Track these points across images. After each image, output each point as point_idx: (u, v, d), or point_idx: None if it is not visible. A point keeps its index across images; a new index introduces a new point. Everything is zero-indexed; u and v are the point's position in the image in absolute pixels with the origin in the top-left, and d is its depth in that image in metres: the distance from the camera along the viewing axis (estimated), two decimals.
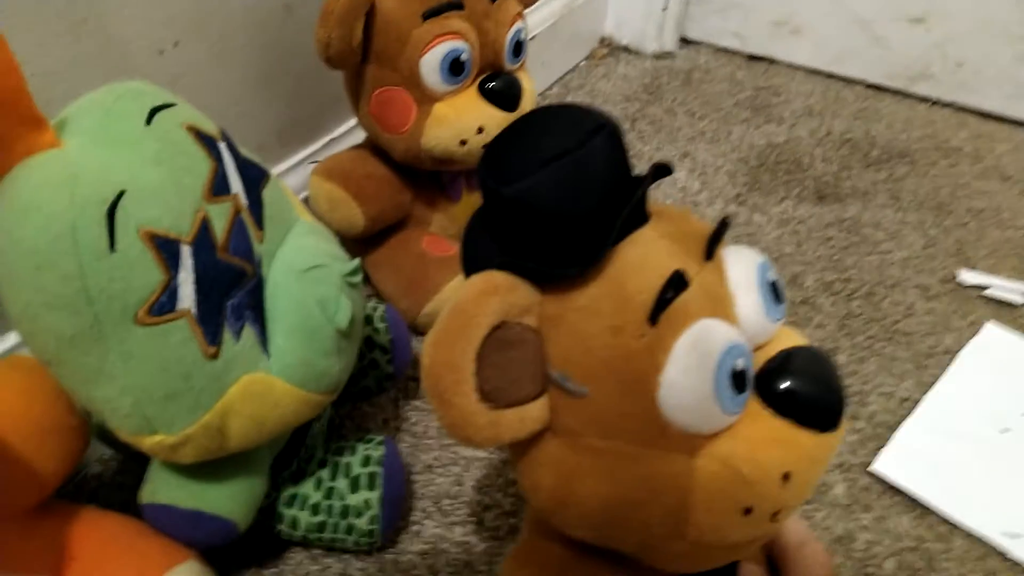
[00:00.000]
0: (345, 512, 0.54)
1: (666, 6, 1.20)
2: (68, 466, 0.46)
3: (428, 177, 0.71)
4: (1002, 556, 0.58)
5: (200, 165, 0.42)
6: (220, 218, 0.42)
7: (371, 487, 0.54)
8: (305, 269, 0.46)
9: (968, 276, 0.81)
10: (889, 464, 0.63)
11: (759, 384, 0.33)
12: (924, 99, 1.13)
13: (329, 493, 0.54)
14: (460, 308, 0.32)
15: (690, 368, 0.31)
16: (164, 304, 0.39)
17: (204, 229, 0.41)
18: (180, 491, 0.47)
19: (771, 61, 1.22)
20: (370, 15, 0.58)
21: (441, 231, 0.73)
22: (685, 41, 1.28)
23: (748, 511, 0.32)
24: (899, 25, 1.11)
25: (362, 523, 0.54)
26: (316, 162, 0.71)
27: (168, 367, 0.40)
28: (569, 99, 1.12)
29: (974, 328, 0.75)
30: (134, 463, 0.60)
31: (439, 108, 0.62)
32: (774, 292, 0.35)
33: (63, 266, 0.36)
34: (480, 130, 0.62)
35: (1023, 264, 0.84)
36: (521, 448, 0.35)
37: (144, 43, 0.58)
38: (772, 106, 1.11)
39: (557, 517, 0.37)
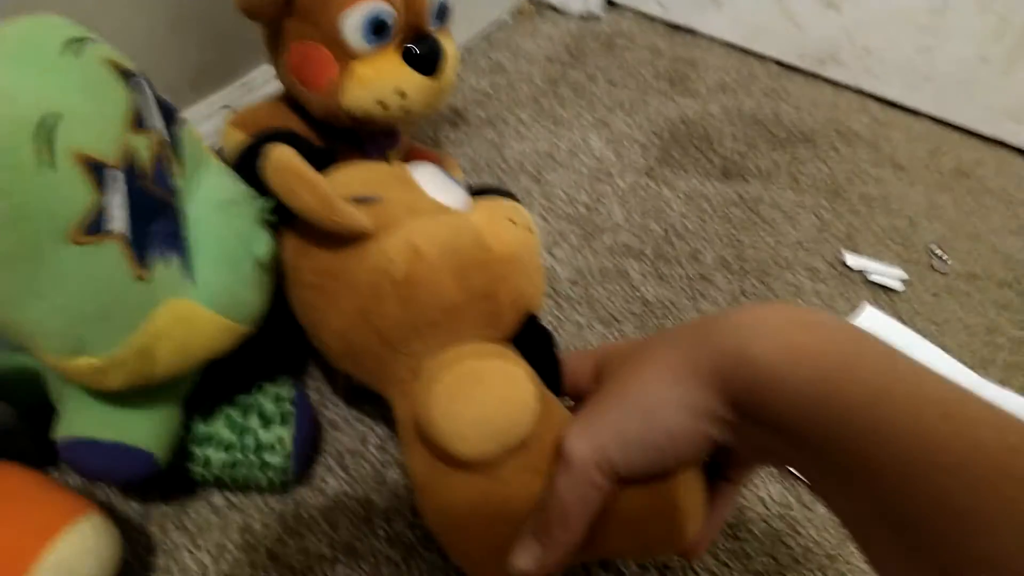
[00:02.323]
0: (258, 448, 0.55)
1: None
2: None
3: (346, 134, 0.70)
4: None
5: (122, 97, 0.42)
6: (144, 150, 0.43)
7: (283, 423, 0.56)
8: (223, 202, 0.48)
9: (851, 259, 0.87)
10: None
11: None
12: (831, 81, 1.18)
13: (242, 432, 0.55)
14: (283, 152, 0.45)
15: (428, 174, 0.53)
16: (96, 224, 0.39)
17: (129, 158, 0.41)
18: (100, 424, 0.48)
19: (691, 32, 1.25)
20: None
21: None
22: (610, 3, 1.29)
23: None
24: (814, 7, 1.15)
25: (276, 459, 0.55)
26: (228, 107, 0.70)
27: (99, 287, 0.40)
28: (492, 56, 1.12)
29: (854, 311, 0.81)
30: (36, 417, 0.60)
31: (360, 68, 0.61)
32: None
33: None
34: (402, 94, 0.62)
35: (906, 251, 0.90)
36: (362, 250, 0.47)
37: None
38: (689, 79, 1.14)
39: (429, 272, 0.47)
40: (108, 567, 0.48)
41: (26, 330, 0.41)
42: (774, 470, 0.66)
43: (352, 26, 0.59)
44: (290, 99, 0.68)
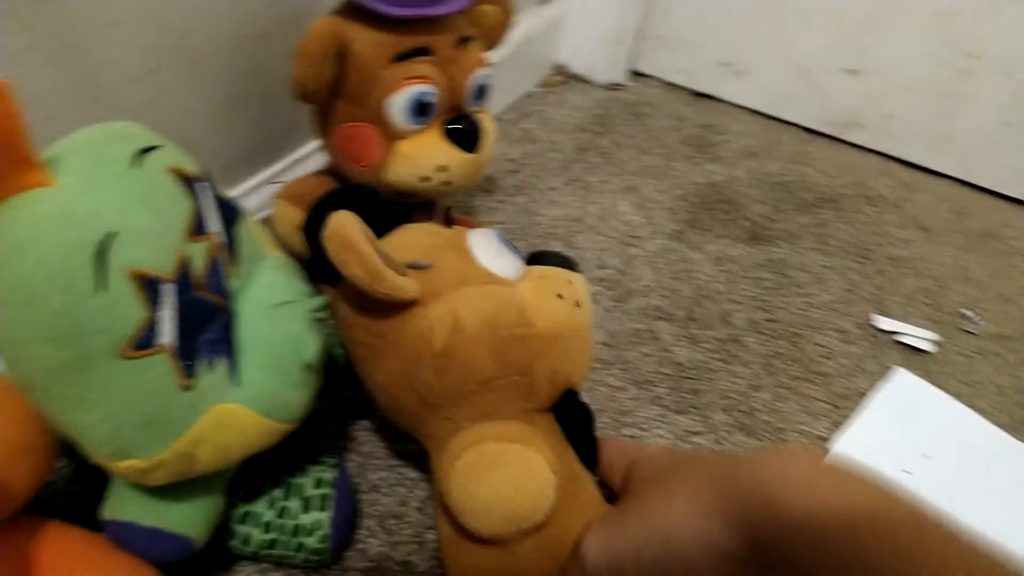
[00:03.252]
0: (296, 531, 0.57)
1: (619, 39, 1.25)
2: (37, 483, 0.48)
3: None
4: None
5: (182, 206, 0.44)
6: (199, 257, 0.45)
7: (322, 508, 0.57)
8: (275, 305, 0.49)
9: (883, 322, 0.88)
10: None
11: None
12: (855, 145, 1.21)
13: (281, 512, 0.57)
14: (343, 219, 0.45)
15: (483, 241, 0.54)
16: (146, 339, 0.41)
17: (184, 268, 0.43)
18: (142, 509, 0.49)
19: (715, 99, 1.28)
20: (343, 55, 0.61)
21: None
22: (636, 74, 1.33)
23: None
24: (835, 75, 1.18)
25: (312, 542, 0.57)
26: (279, 182, 0.73)
27: (146, 398, 0.42)
28: (523, 125, 1.16)
29: (885, 373, 0.82)
30: (88, 473, 0.62)
31: (404, 146, 0.65)
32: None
33: (54, 303, 0.38)
34: (443, 170, 0.65)
35: (935, 313, 0.91)
36: (412, 317, 0.49)
37: (122, 71, 0.60)
38: (714, 144, 1.17)
39: (462, 352, 0.48)
40: None
41: (75, 433, 0.44)
42: None
43: (397, 107, 0.62)
44: (336, 172, 0.72)
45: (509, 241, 0.55)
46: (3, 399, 0.46)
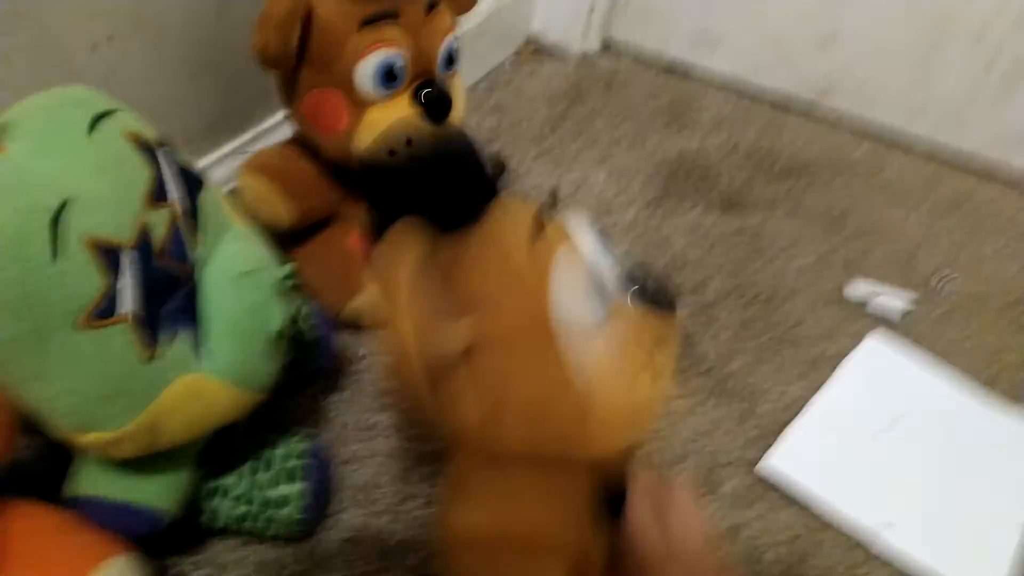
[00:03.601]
0: (267, 504, 0.56)
1: (592, 8, 1.24)
2: (1, 459, 0.47)
3: (358, 176, 0.72)
4: (865, 550, 0.64)
5: (141, 173, 0.43)
6: (159, 225, 0.44)
7: (294, 480, 0.57)
8: (240, 274, 0.48)
9: (856, 287, 0.88)
10: (777, 462, 0.69)
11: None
12: (827, 115, 1.21)
13: (252, 485, 0.56)
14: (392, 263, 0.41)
15: (568, 276, 0.41)
16: (105, 309, 0.40)
17: (144, 236, 0.42)
18: (108, 484, 0.49)
19: (688, 70, 1.28)
20: (307, 20, 0.60)
21: (366, 227, 0.75)
22: (609, 44, 1.32)
23: None
24: (809, 42, 1.18)
25: (284, 514, 0.56)
26: (247, 152, 0.72)
27: (107, 369, 0.41)
28: (495, 96, 1.15)
29: (857, 338, 0.82)
30: (53, 451, 0.61)
31: (372, 113, 0.64)
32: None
33: (8, 271, 0.37)
34: (409, 141, 0.64)
35: (907, 278, 0.91)
36: (455, 375, 0.41)
37: (79, 36, 0.58)
38: (687, 115, 1.17)
39: (498, 426, 0.42)
40: None
41: (41, 407, 0.43)
42: (782, 493, 0.67)
43: (365, 74, 0.61)
44: (303, 142, 0.70)
45: (609, 250, 0.45)
46: None
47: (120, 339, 0.41)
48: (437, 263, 0.41)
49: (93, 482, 0.49)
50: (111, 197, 0.41)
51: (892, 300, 0.87)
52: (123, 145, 0.43)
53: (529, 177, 1.00)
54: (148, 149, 0.44)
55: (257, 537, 0.59)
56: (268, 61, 0.60)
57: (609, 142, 1.08)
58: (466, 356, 0.41)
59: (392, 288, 0.40)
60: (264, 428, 0.60)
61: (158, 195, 0.44)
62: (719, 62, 1.26)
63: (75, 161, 0.40)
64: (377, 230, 0.46)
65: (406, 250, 0.41)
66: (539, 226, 0.42)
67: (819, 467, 0.69)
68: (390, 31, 0.61)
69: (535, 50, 1.28)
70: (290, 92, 0.65)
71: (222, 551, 0.59)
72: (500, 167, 0.46)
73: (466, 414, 0.42)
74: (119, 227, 0.41)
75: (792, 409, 0.74)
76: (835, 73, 1.18)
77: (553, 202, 0.45)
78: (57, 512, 0.51)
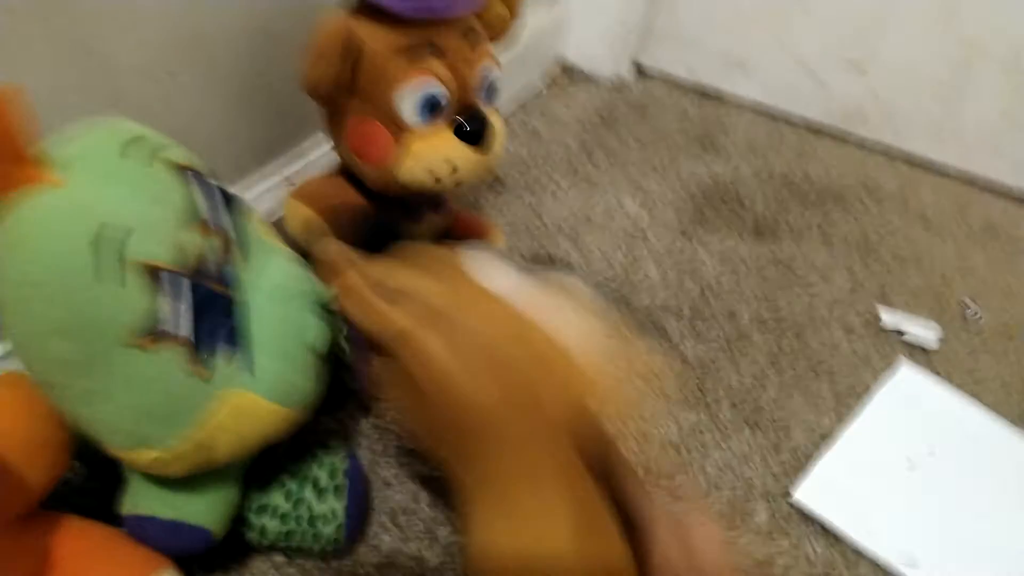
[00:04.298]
0: (312, 521, 0.57)
1: (624, 35, 1.25)
2: (54, 478, 0.48)
3: (398, 202, 0.74)
4: None
5: (177, 195, 0.45)
6: (201, 246, 0.45)
7: (337, 495, 0.58)
8: (283, 295, 0.50)
9: (887, 317, 0.88)
10: (807, 494, 0.69)
11: None
12: (859, 140, 1.21)
13: (297, 503, 0.58)
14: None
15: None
16: (155, 329, 0.42)
17: (193, 259, 0.44)
18: (161, 503, 0.50)
19: (720, 95, 1.29)
20: (354, 52, 0.61)
21: None
22: (641, 69, 1.33)
23: None
24: (839, 69, 1.18)
25: (328, 530, 0.58)
26: (293, 184, 0.74)
27: (163, 389, 0.43)
28: (528, 122, 1.17)
29: (889, 368, 0.82)
30: (104, 470, 0.63)
31: (415, 144, 0.65)
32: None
33: (58, 295, 0.39)
34: (453, 168, 0.66)
35: (939, 307, 0.91)
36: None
37: (136, 68, 0.60)
38: (719, 140, 1.17)
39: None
40: None
41: (94, 427, 0.44)
42: (814, 524, 0.67)
43: (408, 105, 0.63)
44: (346, 171, 0.72)
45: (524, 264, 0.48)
46: (20, 395, 0.47)
47: (172, 359, 0.43)
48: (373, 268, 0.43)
49: (145, 501, 0.50)
50: (152, 220, 0.43)
51: (924, 330, 0.87)
52: (157, 169, 0.45)
53: (563, 203, 1.01)
54: (182, 172, 0.46)
55: (300, 553, 0.60)
56: (315, 93, 0.62)
57: (641, 168, 1.09)
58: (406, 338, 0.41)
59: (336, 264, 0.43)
60: (306, 447, 0.61)
61: (200, 219, 0.46)
62: (751, 87, 1.27)
63: (130, 190, 0.42)
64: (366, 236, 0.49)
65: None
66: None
67: (849, 499, 0.69)
68: (433, 64, 0.62)
69: (567, 75, 1.29)
70: (335, 122, 0.67)
71: (268, 570, 0.60)
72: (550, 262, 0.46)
73: (427, 382, 0.41)
74: (161, 249, 0.42)
75: (824, 439, 0.75)
76: (866, 99, 1.19)
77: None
78: (105, 529, 0.52)
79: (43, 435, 0.48)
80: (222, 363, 0.46)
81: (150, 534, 0.51)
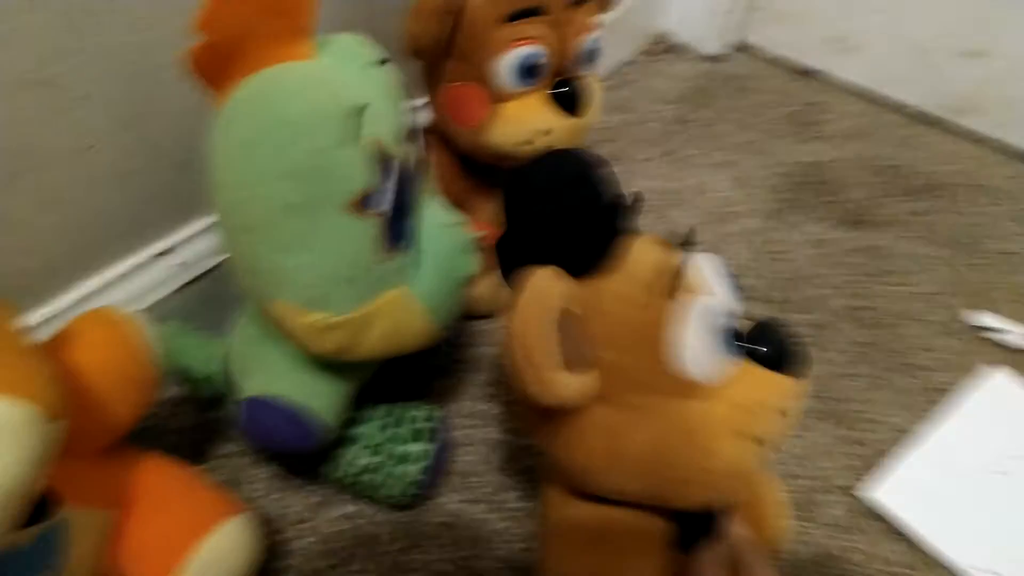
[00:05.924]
0: (403, 458, 0.60)
1: (729, 9, 1.21)
2: (141, 413, 0.51)
3: (485, 168, 0.74)
4: None
5: (400, 110, 0.50)
6: (411, 158, 0.50)
7: (429, 439, 0.61)
8: (445, 225, 0.53)
9: (986, 319, 0.84)
10: (887, 492, 0.67)
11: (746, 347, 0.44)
12: (970, 132, 1.15)
13: (392, 438, 0.61)
14: (536, 294, 0.40)
15: (699, 330, 0.41)
16: (370, 202, 0.45)
17: (404, 159, 0.49)
18: (293, 385, 0.54)
19: (822, 76, 1.24)
20: (457, 12, 0.61)
21: (492, 219, 0.76)
22: (740, 46, 1.29)
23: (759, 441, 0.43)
24: (955, 56, 1.12)
25: (414, 471, 0.60)
26: None
27: (355, 256, 0.46)
28: (622, 93, 1.14)
29: (977, 372, 0.78)
30: (191, 406, 0.65)
31: (509, 108, 0.65)
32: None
33: (312, 143, 0.43)
34: (547, 133, 0.65)
35: None
36: (569, 419, 0.44)
37: None
38: (819, 123, 1.13)
39: (606, 475, 0.45)
40: (251, 566, 0.52)
41: (283, 277, 0.47)
42: (895, 529, 0.65)
43: (506, 68, 0.62)
44: (439, 131, 0.72)
45: (738, 299, 0.47)
46: (113, 332, 0.49)
47: (370, 232, 0.46)
48: (569, 309, 0.41)
49: (276, 382, 0.54)
50: (391, 117, 0.48)
51: (1018, 336, 0.82)
52: (392, 87, 0.49)
53: (652, 177, 0.99)
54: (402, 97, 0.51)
55: (372, 497, 0.61)
56: (417, 52, 0.62)
57: (734, 147, 1.06)
58: (581, 407, 0.43)
59: (529, 328, 0.39)
60: (400, 393, 0.64)
61: (410, 133, 0.50)
62: (854, 70, 1.22)
63: (367, 80, 0.47)
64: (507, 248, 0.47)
65: (547, 292, 0.40)
66: (668, 271, 0.42)
67: (926, 502, 0.67)
68: (534, 27, 0.62)
69: (665, 48, 1.26)
70: (432, 82, 0.67)
71: (323, 523, 0.62)
72: (637, 200, 0.45)
73: (572, 459, 0.45)
74: (393, 142, 0.47)
75: (903, 439, 0.72)
76: (980, 90, 1.12)
77: (689, 242, 0.43)
78: (186, 469, 0.54)
79: (132, 371, 0.49)
80: (401, 254, 0.49)
81: (267, 419, 0.53)
